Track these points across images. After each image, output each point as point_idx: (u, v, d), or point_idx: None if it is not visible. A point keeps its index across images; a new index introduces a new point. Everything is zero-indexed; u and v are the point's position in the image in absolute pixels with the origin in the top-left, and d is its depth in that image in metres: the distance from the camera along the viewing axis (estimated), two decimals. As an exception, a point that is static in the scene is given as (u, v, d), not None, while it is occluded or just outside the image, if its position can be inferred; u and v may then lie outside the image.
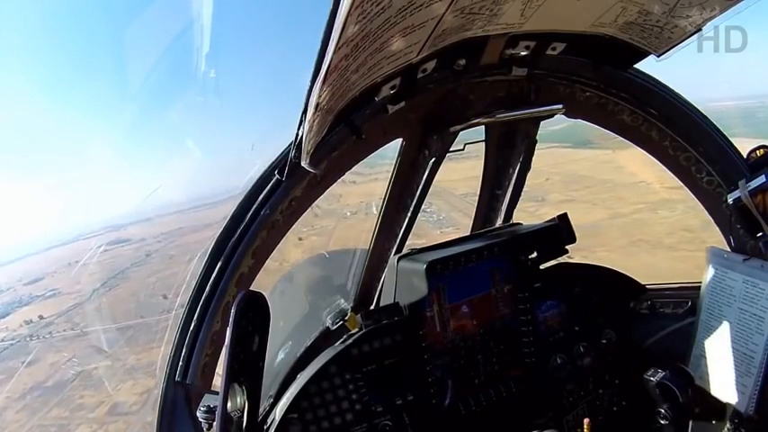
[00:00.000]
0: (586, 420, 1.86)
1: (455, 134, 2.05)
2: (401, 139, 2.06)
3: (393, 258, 2.07)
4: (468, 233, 2.47)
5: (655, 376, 1.87)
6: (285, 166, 1.82)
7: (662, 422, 1.85)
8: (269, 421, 1.78)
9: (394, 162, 2.15)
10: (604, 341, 2.27)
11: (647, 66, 1.94)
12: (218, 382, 2.00)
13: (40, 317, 28.63)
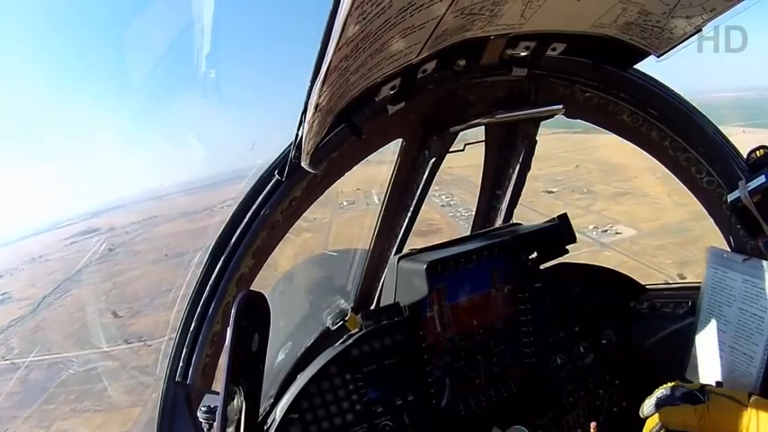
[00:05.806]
0: (593, 424, 1.86)
1: (455, 134, 2.05)
2: (401, 140, 2.07)
3: (393, 258, 2.06)
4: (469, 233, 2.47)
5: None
6: (285, 166, 1.83)
7: None
8: (269, 421, 1.78)
9: (394, 162, 2.15)
10: (604, 341, 2.26)
11: (648, 66, 1.93)
12: (218, 382, 2.01)
13: (-23, 335, 24.90)
